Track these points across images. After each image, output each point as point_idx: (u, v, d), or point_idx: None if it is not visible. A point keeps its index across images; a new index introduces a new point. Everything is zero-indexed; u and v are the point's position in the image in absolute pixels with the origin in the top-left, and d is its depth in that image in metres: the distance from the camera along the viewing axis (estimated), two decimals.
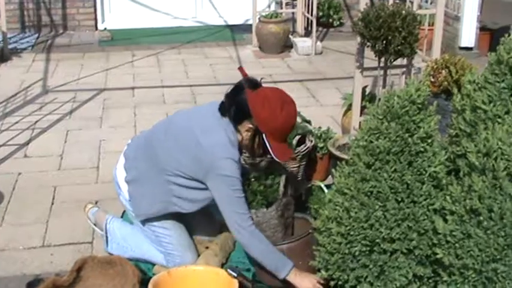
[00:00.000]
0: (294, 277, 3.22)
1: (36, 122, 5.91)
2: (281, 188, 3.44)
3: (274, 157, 3.30)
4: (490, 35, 8.30)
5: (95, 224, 3.90)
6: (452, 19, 8.33)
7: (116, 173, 3.63)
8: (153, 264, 3.64)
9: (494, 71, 2.89)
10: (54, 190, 4.60)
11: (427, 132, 2.67)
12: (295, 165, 4.22)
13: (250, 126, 3.26)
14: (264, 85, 3.34)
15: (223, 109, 3.33)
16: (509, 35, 2.89)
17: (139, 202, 3.51)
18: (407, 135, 2.66)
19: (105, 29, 9.46)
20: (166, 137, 3.43)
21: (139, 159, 3.52)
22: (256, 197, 3.45)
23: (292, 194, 3.67)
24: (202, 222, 3.77)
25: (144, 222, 3.57)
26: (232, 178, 3.20)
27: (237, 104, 3.27)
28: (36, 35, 9.09)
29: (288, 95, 3.33)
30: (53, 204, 4.40)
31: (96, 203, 4.24)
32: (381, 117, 2.71)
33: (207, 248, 3.67)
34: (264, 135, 3.26)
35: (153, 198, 3.46)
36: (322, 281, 3.11)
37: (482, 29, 8.36)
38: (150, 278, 3.25)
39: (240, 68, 3.42)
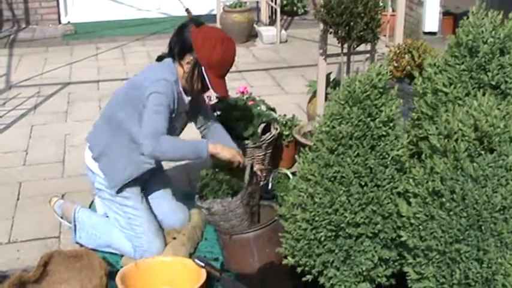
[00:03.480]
0: (214, 149, 3.46)
1: (0, 117, 5.85)
2: (246, 177, 3.43)
3: (212, 90, 3.53)
4: (453, 19, 8.36)
5: (61, 217, 3.88)
6: (416, 4, 8.37)
7: (85, 160, 3.69)
8: (121, 257, 3.63)
9: (454, 54, 2.92)
10: (20, 186, 4.55)
11: (389, 116, 2.68)
12: (261, 154, 4.22)
13: (191, 58, 3.48)
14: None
15: (165, 55, 3.62)
16: (467, 18, 2.91)
17: (113, 172, 3.56)
18: (369, 119, 2.67)
19: (68, 22, 9.38)
20: (114, 96, 3.68)
21: (99, 134, 3.65)
22: (221, 186, 3.45)
23: (257, 182, 3.68)
24: (174, 211, 3.80)
25: (120, 202, 3.59)
26: (160, 94, 3.37)
27: (181, 39, 3.53)
28: None
29: (228, 35, 3.59)
30: (18, 199, 4.36)
31: (62, 196, 4.21)
32: (342, 102, 2.72)
33: (174, 238, 3.67)
34: (203, 69, 3.45)
35: (122, 163, 3.54)
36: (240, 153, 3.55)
37: (446, 13, 8.41)
38: (118, 270, 3.24)
39: (187, 10, 3.68)
